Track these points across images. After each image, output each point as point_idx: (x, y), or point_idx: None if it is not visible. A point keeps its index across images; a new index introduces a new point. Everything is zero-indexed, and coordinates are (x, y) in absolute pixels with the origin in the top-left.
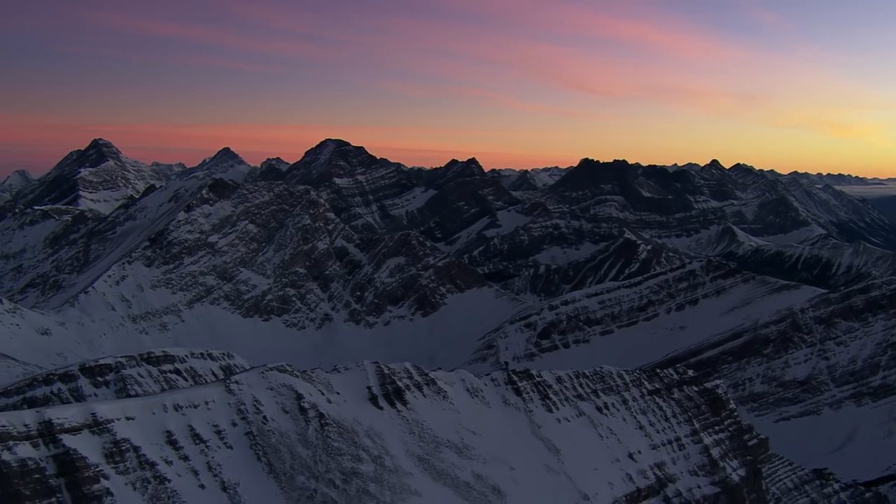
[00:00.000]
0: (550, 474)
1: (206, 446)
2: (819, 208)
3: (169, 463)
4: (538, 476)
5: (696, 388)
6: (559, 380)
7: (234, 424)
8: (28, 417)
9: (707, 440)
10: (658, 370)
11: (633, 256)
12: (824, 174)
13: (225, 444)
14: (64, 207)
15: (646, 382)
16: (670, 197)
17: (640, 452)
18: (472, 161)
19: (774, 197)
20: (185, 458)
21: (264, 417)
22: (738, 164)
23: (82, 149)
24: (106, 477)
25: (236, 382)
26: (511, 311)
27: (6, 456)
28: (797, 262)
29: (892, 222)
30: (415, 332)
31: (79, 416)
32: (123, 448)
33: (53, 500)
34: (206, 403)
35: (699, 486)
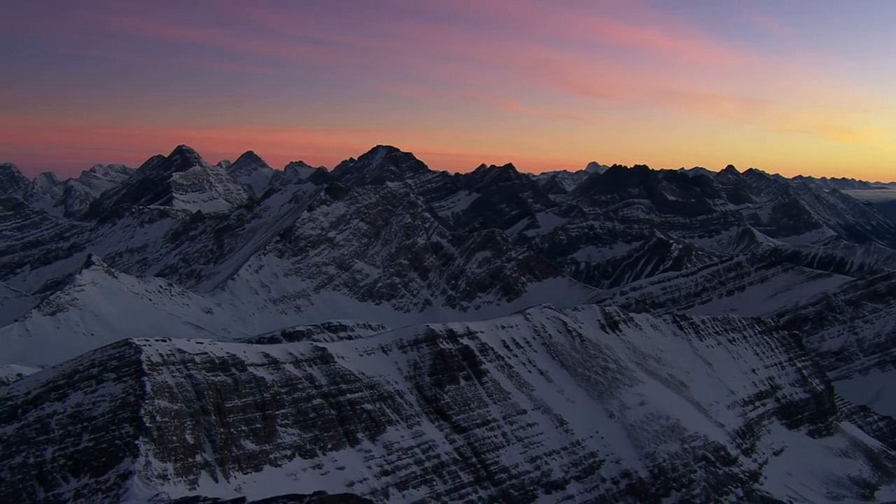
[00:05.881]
0: (709, 378)
1: (523, 350)
2: (827, 211)
3: (509, 358)
4: (703, 378)
5: (786, 332)
6: (703, 322)
7: (534, 338)
8: (441, 327)
9: (799, 364)
10: (761, 318)
11: (667, 254)
12: (828, 178)
13: (532, 348)
14: (162, 208)
15: (756, 326)
16: (692, 200)
17: (758, 369)
18: (509, 166)
19: (787, 201)
20: (515, 356)
21: (549, 335)
22: (751, 170)
23: (165, 155)
24: (482, 363)
25: (529, 314)
26: (582, 297)
27: (442, 346)
28: (813, 261)
29: None
30: (502, 315)
31: (461, 328)
32: (487, 347)
33: (465, 371)
34: (516, 326)
35: (797, 393)
